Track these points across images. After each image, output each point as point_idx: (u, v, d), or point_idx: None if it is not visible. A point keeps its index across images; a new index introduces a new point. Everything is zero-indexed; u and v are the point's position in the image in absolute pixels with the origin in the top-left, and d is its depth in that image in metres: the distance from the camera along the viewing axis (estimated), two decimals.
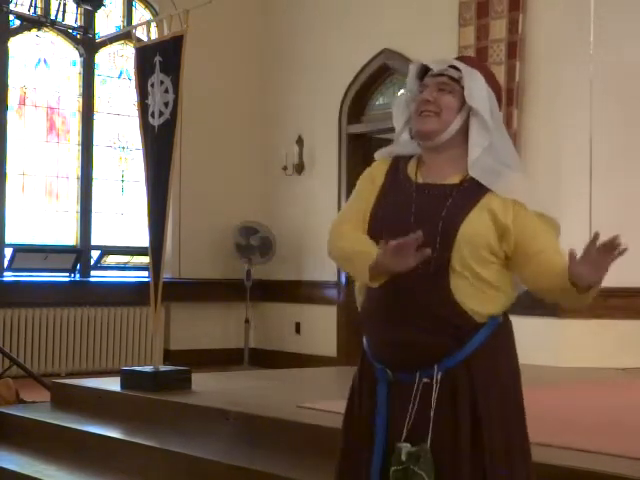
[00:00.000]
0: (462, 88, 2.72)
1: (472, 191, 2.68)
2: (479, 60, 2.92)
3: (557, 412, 4.93)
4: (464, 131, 2.73)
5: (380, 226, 2.70)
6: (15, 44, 9.44)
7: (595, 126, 7.58)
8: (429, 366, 2.62)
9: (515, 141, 7.78)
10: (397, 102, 2.89)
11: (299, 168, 9.91)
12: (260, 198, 10.25)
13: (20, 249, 9.27)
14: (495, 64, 7.90)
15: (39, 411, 6.03)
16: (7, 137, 9.28)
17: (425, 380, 2.62)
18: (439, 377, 2.61)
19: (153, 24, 7.14)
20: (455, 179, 2.71)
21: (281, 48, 10.23)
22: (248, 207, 10.15)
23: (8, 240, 9.26)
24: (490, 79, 2.81)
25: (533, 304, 8.10)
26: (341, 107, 9.55)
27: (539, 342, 7.46)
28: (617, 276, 8.11)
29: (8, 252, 9.24)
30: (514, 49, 7.82)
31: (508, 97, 7.82)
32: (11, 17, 8.96)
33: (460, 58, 2.86)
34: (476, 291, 2.63)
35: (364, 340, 2.78)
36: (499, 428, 2.62)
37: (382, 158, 2.87)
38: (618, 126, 7.61)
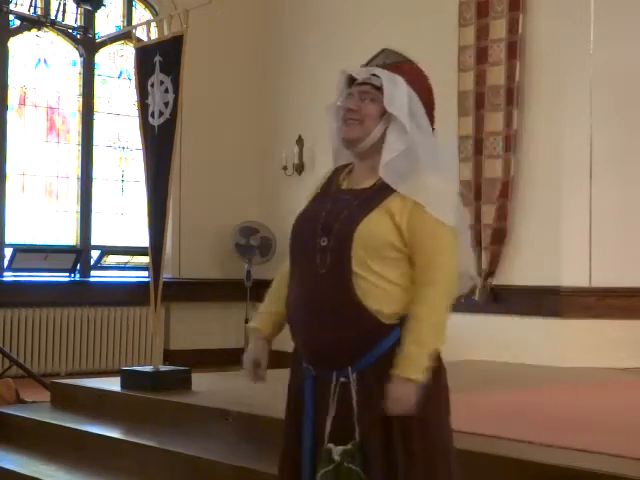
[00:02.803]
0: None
1: (379, 193, 2.75)
2: (409, 65, 3.02)
3: (557, 412, 4.93)
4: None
5: (294, 234, 2.84)
6: (15, 44, 9.44)
7: (595, 126, 7.58)
8: (344, 366, 2.69)
9: (515, 141, 7.78)
10: (330, 111, 2.99)
11: (299, 168, 9.91)
12: (260, 198, 10.25)
13: (20, 249, 9.27)
14: (495, 64, 7.90)
15: (39, 411, 6.03)
16: (7, 137, 9.28)
17: (342, 379, 2.69)
18: (354, 377, 2.67)
19: (153, 24, 7.14)
20: (369, 183, 2.79)
21: (281, 48, 10.23)
22: (248, 207, 10.15)
23: (8, 240, 9.26)
24: (417, 82, 2.89)
25: (533, 305, 8.12)
26: None
27: (539, 342, 7.46)
28: (617, 276, 8.16)
29: (8, 252, 9.23)
30: (514, 49, 7.81)
31: (508, 97, 7.82)
32: (11, 17, 8.96)
33: (390, 64, 2.92)
34: (379, 290, 2.67)
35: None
36: (417, 431, 2.65)
37: (328, 172, 2.99)
38: (618, 126, 7.61)
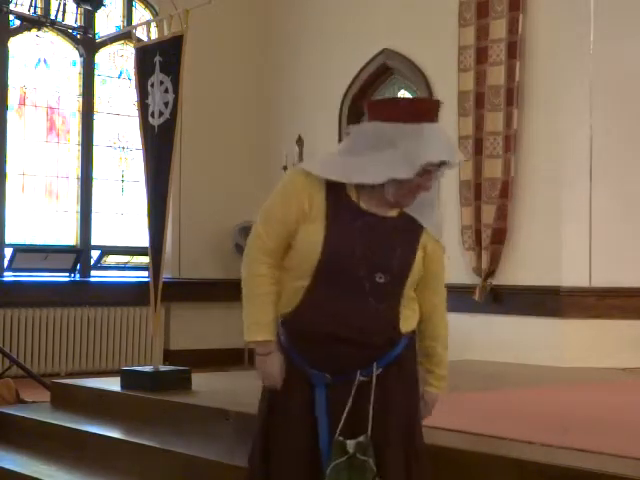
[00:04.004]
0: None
1: (413, 228, 2.96)
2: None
3: (557, 412, 4.93)
4: None
5: (333, 260, 2.87)
6: (15, 44, 9.44)
7: (595, 126, 7.58)
8: (369, 366, 2.92)
9: (515, 141, 7.78)
10: (377, 144, 2.87)
11: None
12: (260, 198, 10.22)
13: (20, 249, 9.27)
14: (495, 64, 7.90)
15: (39, 411, 6.03)
16: (7, 137, 9.28)
17: (362, 378, 2.89)
18: (379, 372, 2.91)
19: (153, 24, 7.13)
20: (393, 213, 2.94)
21: (281, 48, 10.23)
22: (248, 207, 10.12)
23: (8, 240, 9.26)
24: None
25: (533, 305, 8.11)
26: (341, 107, 9.54)
27: (539, 342, 7.47)
28: (617, 276, 8.15)
29: (8, 252, 9.24)
30: (514, 49, 7.81)
31: (508, 97, 7.82)
32: (11, 17, 8.96)
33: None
34: (410, 313, 3.02)
35: (287, 344, 2.96)
36: (418, 427, 3.03)
37: (311, 175, 2.93)
38: (618, 126, 7.61)
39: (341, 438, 2.82)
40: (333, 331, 2.88)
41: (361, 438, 2.81)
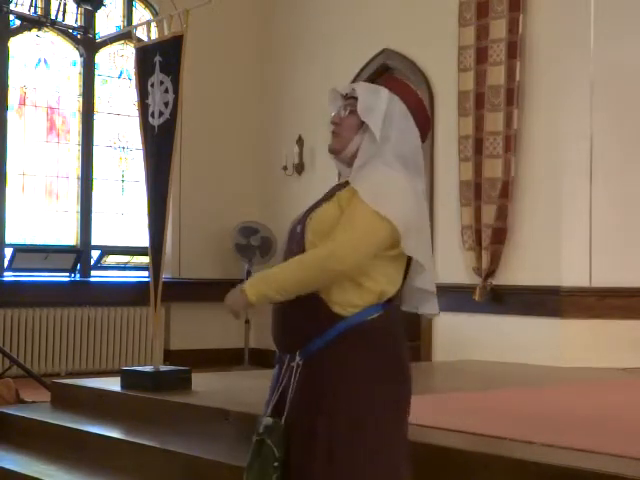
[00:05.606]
0: None
1: (338, 187, 2.90)
2: (393, 77, 3.12)
3: (557, 412, 4.93)
4: None
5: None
6: (15, 44, 9.44)
7: (595, 126, 7.58)
8: (294, 351, 2.82)
9: (515, 141, 7.78)
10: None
11: (299, 168, 9.91)
12: (260, 198, 10.25)
13: (20, 249, 9.27)
14: (495, 64, 7.90)
15: (39, 411, 6.03)
16: (7, 137, 9.28)
17: (292, 364, 2.81)
18: (300, 362, 2.78)
19: (153, 24, 7.14)
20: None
21: (281, 48, 10.23)
22: (248, 207, 10.15)
23: (8, 240, 9.27)
24: (399, 88, 2.97)
25: (533, 305, 8.11)
26: None
27: (539, 342, 7.47)
28: (617, 276, 8.15)
29: (8, 252, 9.24)
30: (514, 49, 7.81)
31: (508, 97, 7.82)
32: (11, 17, 8.96)
33: (384, 78, 3.06)
34: (349, 284, 2.78)
35: None
36: (345, 423, 2.73)
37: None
38: (618, 126, 7.61)
39: (265, 418, 2.82)
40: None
41: (269, 421, 2.79)
